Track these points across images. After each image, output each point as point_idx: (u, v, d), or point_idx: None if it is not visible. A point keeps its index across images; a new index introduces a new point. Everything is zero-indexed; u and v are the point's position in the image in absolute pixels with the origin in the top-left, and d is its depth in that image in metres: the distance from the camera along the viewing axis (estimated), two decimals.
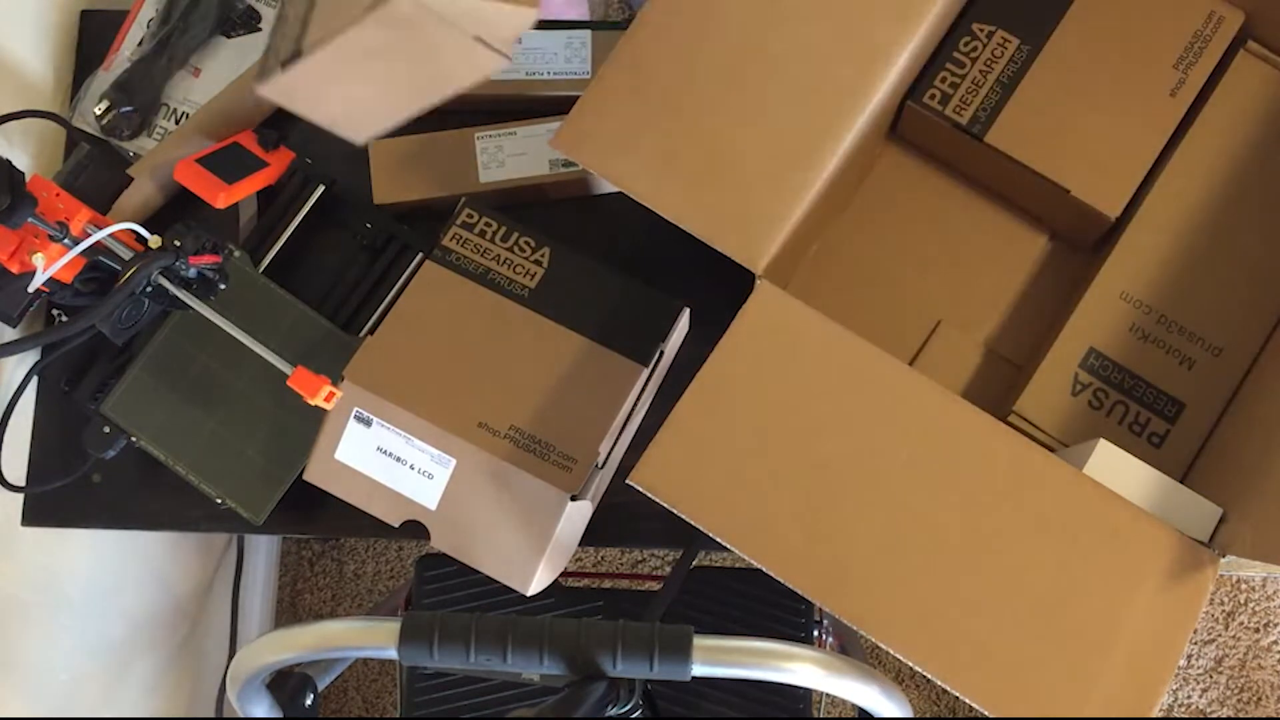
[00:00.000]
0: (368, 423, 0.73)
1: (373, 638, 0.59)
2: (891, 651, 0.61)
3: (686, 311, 0.77)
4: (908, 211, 0.83)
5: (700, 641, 0.57)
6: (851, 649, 0.98)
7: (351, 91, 0.56)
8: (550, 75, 0.84)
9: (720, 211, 0.67)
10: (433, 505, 0.73)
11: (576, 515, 0.74)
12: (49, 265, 0.69)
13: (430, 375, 0.74)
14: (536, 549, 0.71)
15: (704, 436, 0.65)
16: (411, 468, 0.73)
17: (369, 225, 0.85)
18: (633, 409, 0.75)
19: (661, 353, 0.76)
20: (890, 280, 0.82)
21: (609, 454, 0.75)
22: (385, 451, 0.73)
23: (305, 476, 0.75)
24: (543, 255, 0.77)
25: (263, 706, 0.66)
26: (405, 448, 0.73)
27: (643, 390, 0.76)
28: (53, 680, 0.95)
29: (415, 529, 0.73)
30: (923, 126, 0.80)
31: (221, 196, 0.80)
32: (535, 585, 0.72)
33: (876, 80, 0.69)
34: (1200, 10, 0.78)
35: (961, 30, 0.80)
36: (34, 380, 0.85)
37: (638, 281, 0.77)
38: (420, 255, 0.83)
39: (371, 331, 0.82)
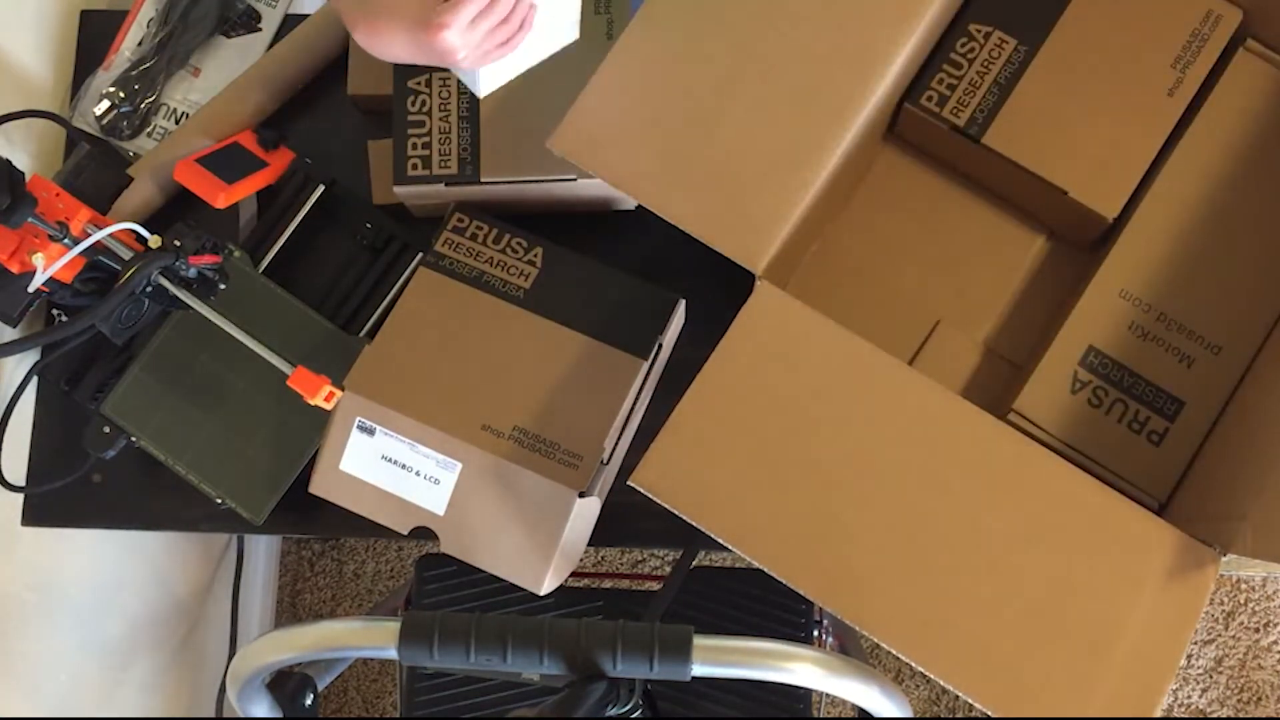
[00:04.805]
0: (371, 432, 0.73)
1: (373, 638, 0.59)
2: (893, 651, 0.61)
3: (682, 304, 0.77)
4: (906, 212, 0.83)
5: (700, 641, 0.57)
6: (851, 649, 0.98)
7: None
8: None
9: (720, 211, 0.67)
10: (440, 510, 0.73)
11: (585, 512, 0.74)
12: (49, 265, 0.69)
13: (431, 380, 0.74)
14: (547, 548, 0.71)
15: (704, 437, 0.65)
16: (417, 474, 0.73)
17: (369, 225, 0.85)
18: (634, 403, 0.75)
19: (660, 345, 0.76)
20: (889, 280, 0.82)
21: (613, 450, 0.75)
22: (390, 459, 0.73)
23: (311, 489, 0.75)
24: (535, 255, 0.77)
25: (263, 706, 0.66)
26: (410, 454, 0.73)
27: (643, 384, 0.76)
28: (53, 680, 0.95)
29: (424, 534, 0.73)
30: (920, 128, 0.80)
31: (221, 196, 0.80)
32: (548, 584, 0.72)
33: (874, 81, 0.69)
34: (1198, 9, 0.78)
35: (959, 31, 0.80)
36: (34, 380, 0.85)
37: (632, 276, 0.77)
38: (420, 255, 0.84)
39: (371, 332, 0.82)
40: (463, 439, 0.72)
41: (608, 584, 1.34)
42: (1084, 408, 0.75)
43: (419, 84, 0.79)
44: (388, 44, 0.70)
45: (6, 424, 0.82)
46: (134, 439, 0.79)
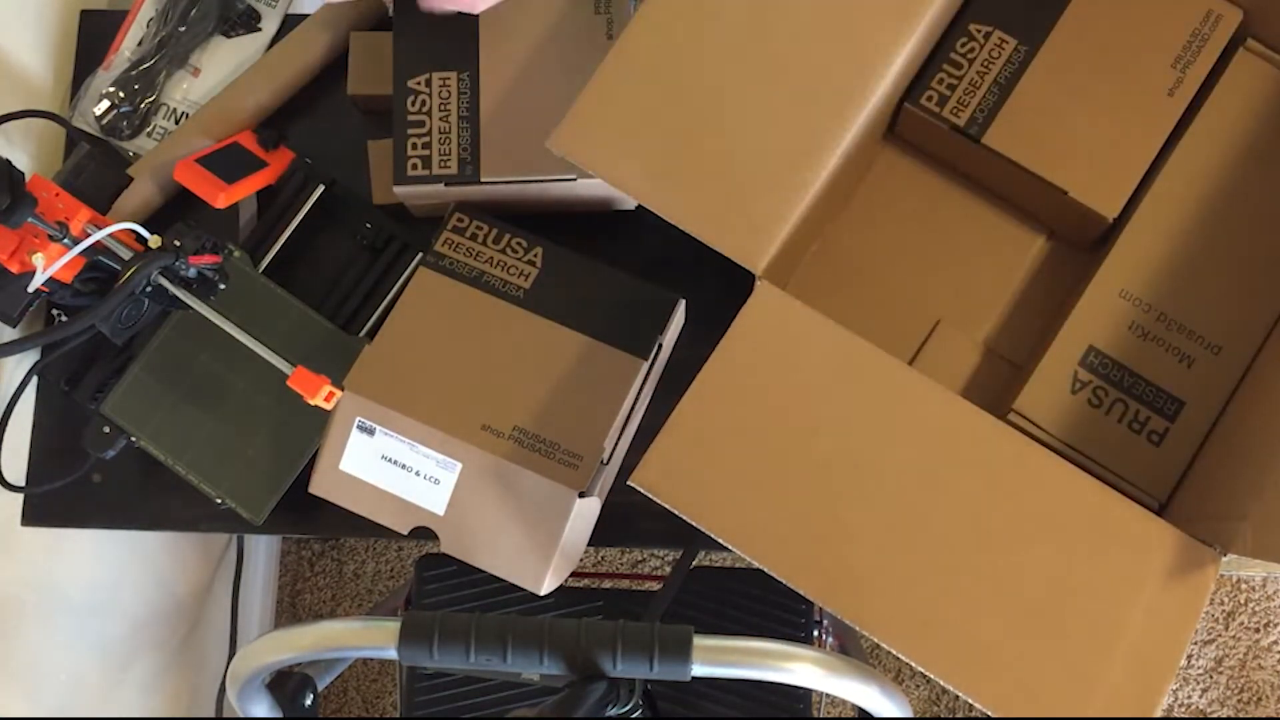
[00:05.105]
0: (371, 432, 0.73)
1: (373, 638, 0.59)
2: (894, 651, 0.61)
3: (682, 304, 0.77)
4: (906, 211, 0.83)
5: (700, 641, 0.57)
6: (851, 649, 0.98)
7: None
8: None
9: (720, 211, 0.67)
10: (440, 510, 0.73)
11: (585, 512, 0.74)
12: (49, 265, 0.69)
13: (431, 381, 0.74)
14: (547, 548, 0.71)
15: (705, 437, 0.65)
16: (417, 474, 0.73)
17: (369, 225, 0.85)
18: (634, 403, 0.75)
19: (660, 345, 0.76)
20: (889, 280, 0.82)
21: (613, 450, 0.75)
22: (390, 459, 0.73)
23: (311, 489, 0.75)
24: (535, 255, 0.77)
25: (263, 706, 0.66)
26: (410, 454, 0.73)
27: (643, 384, 0.76)
28: (53, 680, 0.95)
29: (424, 534, 0.73)
30: (920, 127, 0.80)
31: (221, 196, 0.80)
32: (548, 585, 0.72)
33: (874, 81, 0.69)
34: (1198, 9, 0.78)
35: (959, 31, 0.80)
36: (34, 380, 0.85)
37: (632, 276, 0.77)
38: (420, 255, 0.84)
39: (371, 332, 0.82)
40: (462, 439, 0.72)
41: (608, 584, 1.34)
42: (1084, 408, 0.75)
43: (419, 84, 0.79)
44: None
45: (6, 424, 0.82)
46: (134, 439, 0.79)
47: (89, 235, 0.70)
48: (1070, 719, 0.61)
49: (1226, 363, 0.75)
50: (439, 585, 0.92)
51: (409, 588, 0.96)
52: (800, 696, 0.90)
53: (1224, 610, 1.39)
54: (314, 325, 0.81)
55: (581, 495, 0.71)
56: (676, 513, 0.64)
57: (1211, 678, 1.38)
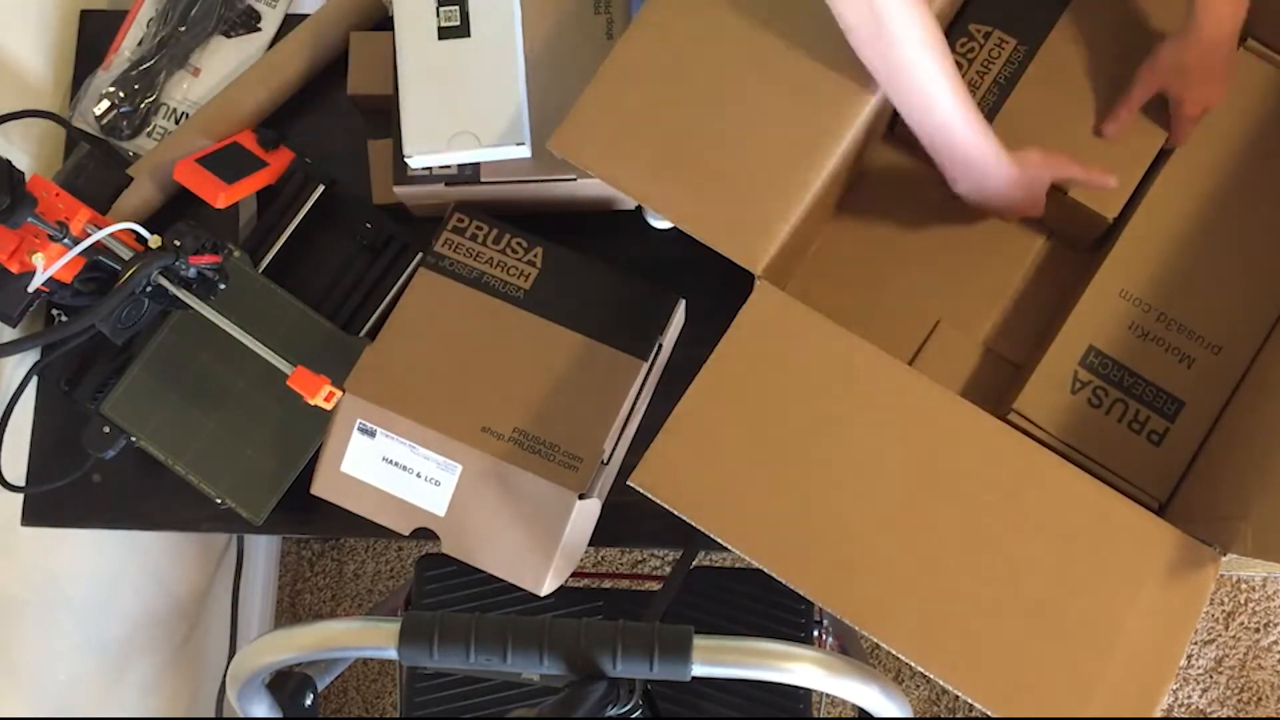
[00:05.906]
0: (371, 434, 0.73)
1: (373, 638, 0.59)
2: (893, 651, 0.61)
3: (682, 304, 0.77)
4: (906, 212, 0.83)
5: (700, 641, 0.57)
6: (851, 649, 0.98)
7: None
8: None
9: (720, 212, 0.67)
10: (441, 512, 0.73)
11: (586, 513, 0.74)
12: (49, 265, 0.69)
13: (431, 382, 0.74)
14: (547, 549, 0.71)
15: (704, 437, 0.65)
16: (418, 476, 0.73)
17: (369, 225, 0.85)
18: (634, 404, 0.75)
19: (660, 346, 0.76)
20: (889, 280, 0.82)
21: (613, 450, 0.75)
22: (391, 461, 0.73)
23: (313, 491, 0.75)
24: (535, 255, 0.77)
25: (263, 706, 0.66)
26: (411, 456, 0.73)
27: (643, 385, 0.76)
28: (52, 680, 0.95)
29: (425, 534, 0.73)
30: None
31: (221, 196, 0.80)
32: (548, 585, 0.72)
33: (874, 82, 0.69)
34: None
35: (959, 31, 0.80)
36: (34, 380, 0.85)
37: (632, 276, 0.77)
38: (420, 255, 0.83)
39: (371, 333, 0.82)
40: (463, 441, 0.72)
41: (608, 584, 1.34)
42: (1084, 408, 0.75)
43: None
44: None
45: (6, 424, 0.82)
46: (134, 439, 0.79)
47: (89, 235, 0.70)
48: (1070, 719, 0.61)
49: (1226, 363, 0.75)
50: (439, 585, 0.92)
51: (409, 588, 0.96)
52: (800, 696, 0.90)
53: (1224, 610, 1.39)
54: (314, 325, 0.81)
55: (582, 497, 0.71)
56: (676, 513, 0.64)
57: (1211, 678, 1.38)
